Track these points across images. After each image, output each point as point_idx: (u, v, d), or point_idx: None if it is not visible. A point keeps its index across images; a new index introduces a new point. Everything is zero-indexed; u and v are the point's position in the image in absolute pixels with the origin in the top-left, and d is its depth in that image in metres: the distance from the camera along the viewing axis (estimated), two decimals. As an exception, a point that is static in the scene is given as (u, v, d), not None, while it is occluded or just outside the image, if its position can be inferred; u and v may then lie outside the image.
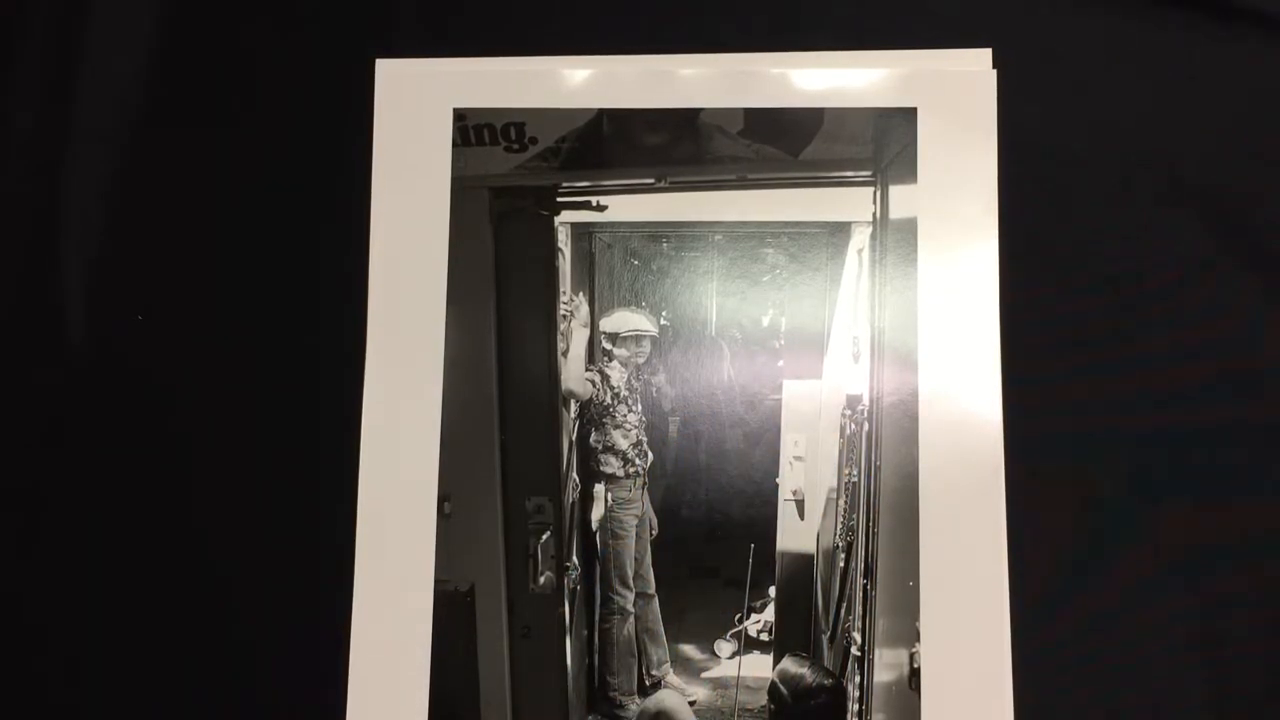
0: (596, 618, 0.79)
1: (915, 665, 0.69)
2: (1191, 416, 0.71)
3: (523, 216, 0.77)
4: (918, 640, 0.69)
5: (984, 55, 0.74)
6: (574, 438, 0.79)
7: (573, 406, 0.79)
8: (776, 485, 0.76)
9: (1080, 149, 0.74)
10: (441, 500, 0.73)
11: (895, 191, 0.74)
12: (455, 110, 0.76)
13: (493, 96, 0.76)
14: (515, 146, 0.75)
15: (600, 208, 0.77)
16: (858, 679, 0.73)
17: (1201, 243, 0.72)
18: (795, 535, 0.77)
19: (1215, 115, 0.74)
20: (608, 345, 0.79)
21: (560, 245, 0.78)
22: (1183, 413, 0.71)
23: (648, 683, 0.79)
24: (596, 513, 0.79)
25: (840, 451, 0.76)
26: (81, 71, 0.78)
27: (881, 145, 0.74)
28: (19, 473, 0.75)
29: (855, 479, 0.75)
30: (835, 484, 0.76)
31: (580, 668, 0.79)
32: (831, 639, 0.76)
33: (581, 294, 0.78)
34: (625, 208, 0.77)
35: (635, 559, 0.79)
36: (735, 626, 0.77)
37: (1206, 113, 0.74)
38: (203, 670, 0.73)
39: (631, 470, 0.79)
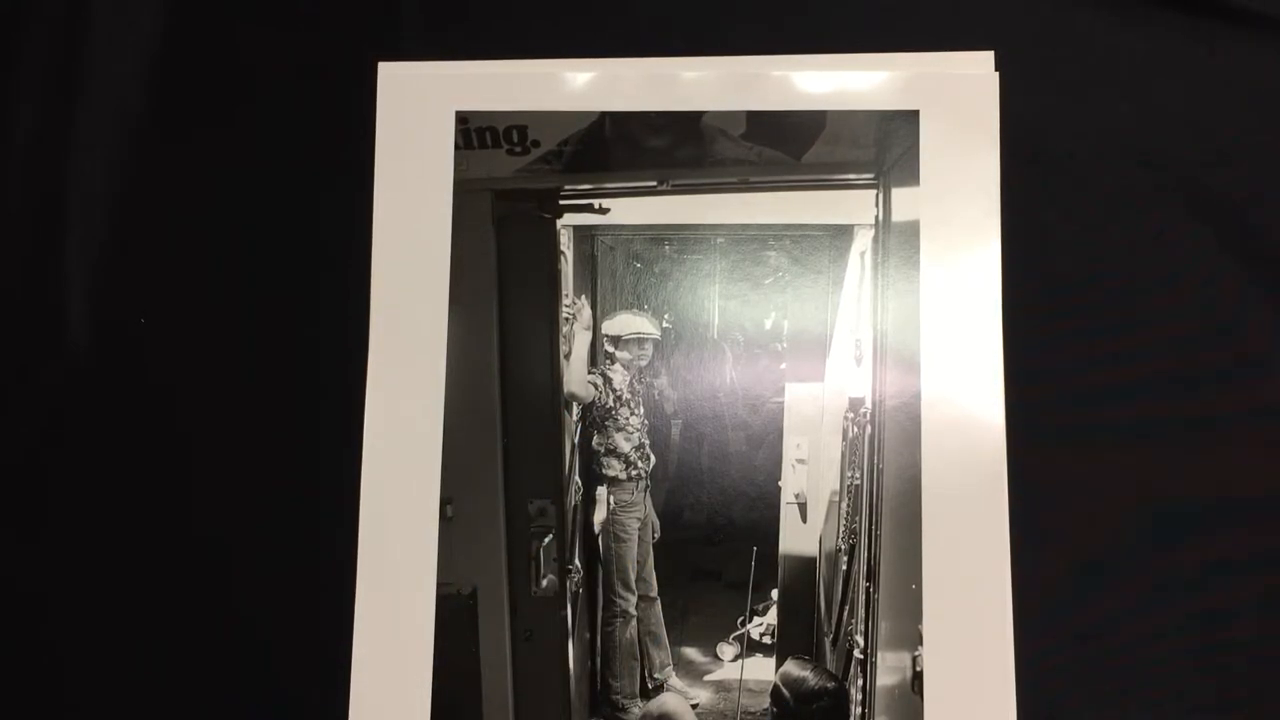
0: (599, 621, 0.79)
1: (918, 668, 0.69)
2: (1194, 417, 0.71)
3: (525, 219, 0.77)
4: (920, 643, 0.69)
5: (986, 58, 0.74)
6: (576, 441, 0.79)
7: (575, 409, 0.79)
8: (779, 488, 0.76)
9: (1082, 151, 0.74)
10: (444, 503, 0.73)
11: (897, 194, 0.74)
12: (457, 113, 0.75)
13: (495, 99, 0.76)
14: (517, 149, 0.75)
15: (602, 210, 0.77)
16: (860, 682, 0.72)
17: (1203, 244, 0.73)
18: (797, 538, 0.77)
19: (1216, 117, 0.74)
20: (610, 348, 0.79)
21: (562, 248, 0.78)
22: (1186, 413, 0.71)
23: (650, 686, 0.79)
24: (599, 516, 0.79)
25: (843, 454, 0.76)
26: (84, 73, 0.78)
27: (884, 148, 0.74)
28: (21, 474, 0.75)
29: (858, 482, 0.75)
30: (838, 487, 0.76)
31: (583, 671, 0.79)
32: (834, 642, 0.76)
33: (584, 297, 0.78)
34: (627, 210, 0.77)
35: (638, 562, 0.78)
36: (738, 629, 0.76)
37: (1207, 114, 0.74)
38: (204, 672, 0.73)
39: (634, 473, 0.79)
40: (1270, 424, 0.71)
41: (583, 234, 0.79)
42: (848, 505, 0.75)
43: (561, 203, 0.77)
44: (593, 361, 0.78)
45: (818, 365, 0.75)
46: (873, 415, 0.73)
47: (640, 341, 0.78)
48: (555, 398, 0.77)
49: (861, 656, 0.73)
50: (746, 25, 0.76)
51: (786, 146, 0.75)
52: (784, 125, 0.74)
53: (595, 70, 0.76)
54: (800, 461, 0.76)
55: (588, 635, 0.79)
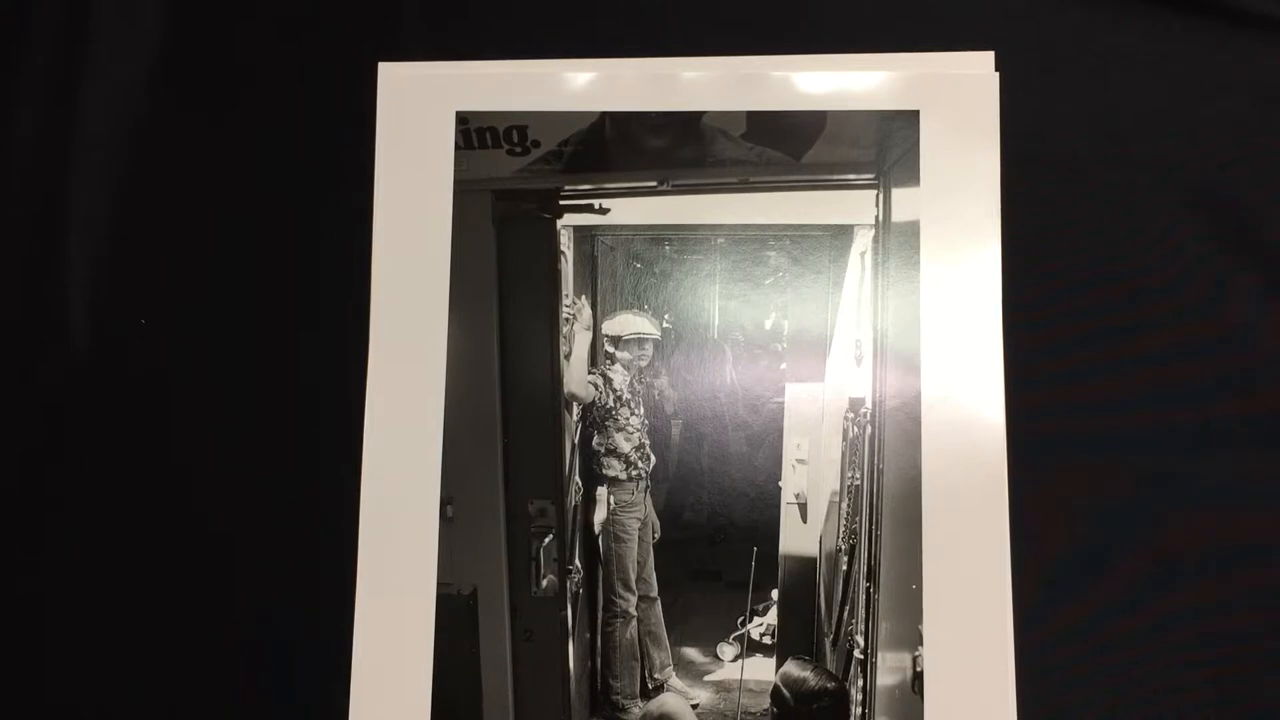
0: (599, 621, 0.79)
1: (918, 669, 0.69)
2: (1194, 417, 0.71)
3: (525, 220, 0.77)
4: (920, 644, 0.69)
5: (986, 58, 0.74)
6: (576, 441, 0.79)
7: (575, 410, 0.79)
8: (779, 488, 0.76)
9: (1082, 151, 0.74)
10: (444, 504, 0.73)
11: (898, 194, 0.74)
12: (458, 113, 0.75)
13: (495, 99, 0.76)
14: (518, 149, 0.75)
15: (603, 211, 0.77)
16: (860, 682, 0.72)
17: (1203, 244, 0.72)
18: (798, 538, 0.77)
19: (1217, 117, 0.74)
20: (610, 348, 0.79)
21: (563, 248, 0.78)
22: (1185, 414, 0.71)
23: (650, 686, 0.79)
24: (599, 516, 0.79)
25: (843, 454, 0.76)
26: (85, 74, 0.78)
27: (884, 148, 0.74)
28: (22, 476, 0.75)
29: (858, 482, 0.75)
30: (838, 487, 0.76)
31: (583, 671, 0.79)
32: (834, 642, 0.76)
33: (584, 297, 0.78)
34: (628, 211, 0.77)
35: (638, 562, 0.78)
36: (738, 630, 0.77)
37: (1208, 115, 0.74)
38: (205, 674, 0.73)
39: (634, 473, 0.79)
40: (1271, 424, 0.71)
41: (583, 234, 0.79)
42: (848, 505, 0.75)
43: (561, 203, 0.77)
44: (593, 361, 0.78)
45: (818, 365, 0.75)
46: (873, 415, 0.73)
47: (640, 341, 0.78)
48: (555, 398, 0.77)
49: (861, 656, 0.73)
50: (746, 25, 0.76)
51: (786, 146, 0.75)
52: (784, 125, 0.74)
53: (595, 70, 0.76)
54: (800, 461, 0.76)
55: (588, 635, 0.79)
